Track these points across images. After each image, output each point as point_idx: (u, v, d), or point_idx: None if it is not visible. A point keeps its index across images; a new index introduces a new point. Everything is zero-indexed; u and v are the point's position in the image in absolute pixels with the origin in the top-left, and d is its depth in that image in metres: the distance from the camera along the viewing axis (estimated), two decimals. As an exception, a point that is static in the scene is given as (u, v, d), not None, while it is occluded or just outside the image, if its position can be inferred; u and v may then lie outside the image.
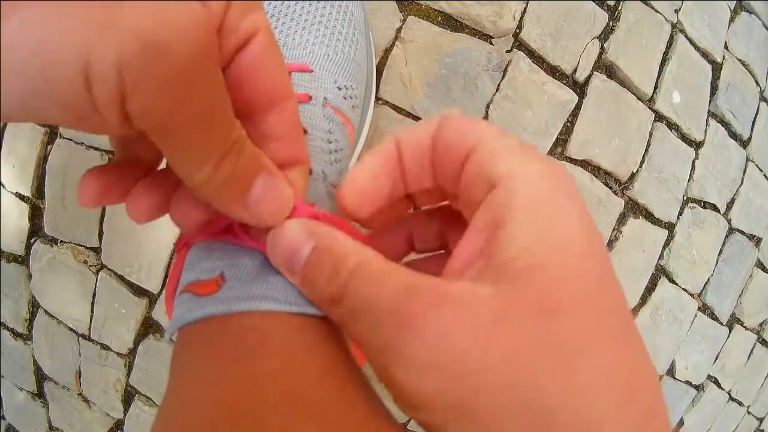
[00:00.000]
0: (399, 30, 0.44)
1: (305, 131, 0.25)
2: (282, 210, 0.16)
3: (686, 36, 0.53)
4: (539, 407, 0.12)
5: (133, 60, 0.10)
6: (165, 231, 0.48)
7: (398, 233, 0.20)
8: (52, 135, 0.50)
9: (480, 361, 0.12)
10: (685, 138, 0.54)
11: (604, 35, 0.48)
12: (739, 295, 0.64)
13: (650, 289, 0.56)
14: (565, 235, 0.13)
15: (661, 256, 0.56)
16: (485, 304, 0.13)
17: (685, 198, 0.56)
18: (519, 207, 0.13)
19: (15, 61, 0.10)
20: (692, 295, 0.59)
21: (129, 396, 0.55)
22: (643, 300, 0.56)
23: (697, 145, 0.55)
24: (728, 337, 0.65)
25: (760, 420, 0.74)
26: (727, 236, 0.60)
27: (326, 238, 0.16)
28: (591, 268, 0.13)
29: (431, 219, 0.20)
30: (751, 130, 0.60)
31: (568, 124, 0.48)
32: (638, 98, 0.51)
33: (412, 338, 0.13)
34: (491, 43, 0.45)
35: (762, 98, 0.60)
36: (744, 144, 0.59)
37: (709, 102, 0.56)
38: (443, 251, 0.20)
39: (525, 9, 0.45)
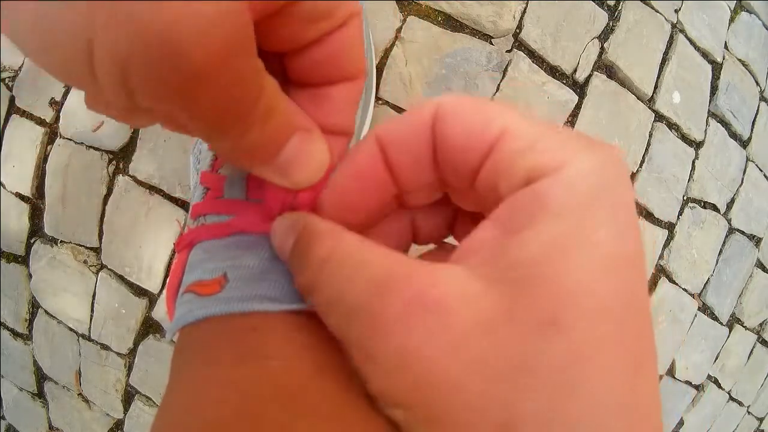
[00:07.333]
0: (399, 30, 0.44)
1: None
2: (315, 172, 0.15)
3: (686, 36, 0.53)
4: None
5: (137, 58, 0.09)
6: (165, 231, 0.48)
7: (399, 220, 0.18)
8: (52, 135, 0.50)
9: (452, 378, 0.11)
10: (685, 138, 0.54)
11: (604, 35, 0.48)
12: (739, 295, 0.64)
13: (650, 289, 0.56)
14: (595, 256, 0.11)
15: (661, 256, 0.56)
16: (471, 308, 0.11)
17: (685, 198, 0.56)
18: (552, 210, 0.11)
19: (20, 28, 0.10)
20: (692, 295, 0.59)
21: (129, 396, 0.55)
22: (643, 300, 0.56)
23: (697, 145, 0.55)
24: (728, 337, 0.65)
25: (760, 420, 0.74)
26: (727, 236, 0.60)
27: (303, 223, 0.15)
28: (616, 294, 0.11)
29: (437, 208, 0.18)
30: (751, 130, 0.60)
31: (568, 124, 0.48)
32: (638, 98, 0.51)
33: (379, 341, 0.12)
34: (491, 43, 0.45)
35: (762, 98, 0.60)
36: (744, 144, 0.59)
37: (709, 102, 0.56)
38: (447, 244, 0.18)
39: (525, 9, 0.45)
